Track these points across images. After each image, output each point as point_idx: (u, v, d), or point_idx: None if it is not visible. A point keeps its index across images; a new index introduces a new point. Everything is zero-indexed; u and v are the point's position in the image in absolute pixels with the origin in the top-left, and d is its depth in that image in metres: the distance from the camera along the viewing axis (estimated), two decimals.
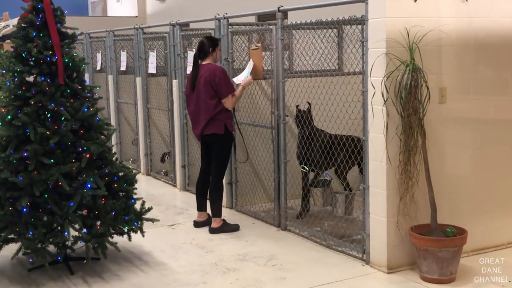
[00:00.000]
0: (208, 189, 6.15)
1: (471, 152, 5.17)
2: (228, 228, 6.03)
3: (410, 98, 4.57)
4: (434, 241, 4.60)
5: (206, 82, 5.79)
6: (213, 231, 5.99)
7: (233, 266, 5.11)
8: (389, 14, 4.63)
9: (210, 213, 6.12)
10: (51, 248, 4.88)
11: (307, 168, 6.02)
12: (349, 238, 5.40)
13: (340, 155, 5.72)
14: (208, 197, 6.15)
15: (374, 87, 4.74)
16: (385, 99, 4.66)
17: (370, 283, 4.77)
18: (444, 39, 4.85)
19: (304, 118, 5.95)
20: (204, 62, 5.93)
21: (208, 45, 5.93)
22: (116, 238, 5.03)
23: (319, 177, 6.12)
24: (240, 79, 6.04)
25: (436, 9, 4.82)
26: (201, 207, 6.24)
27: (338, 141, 5.71)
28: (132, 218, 5.03)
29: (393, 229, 4.80)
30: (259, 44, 6.45)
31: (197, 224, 6.23)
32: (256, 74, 6.30)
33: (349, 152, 5.65)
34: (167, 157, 8.54)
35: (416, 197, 4.78)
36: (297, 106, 6.08)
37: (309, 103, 5.99)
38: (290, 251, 5.47)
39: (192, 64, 6.13)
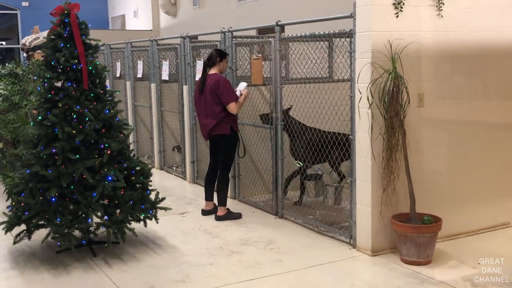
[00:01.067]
0: (215, 182, 6.15)
1: (446, 150, 5.17)
2: (231, 216, 6.03)
3: (392, 102, 4.57)
4: (413, 228, 4.60)
5: (211, 91, 5.79)
6: (218, 218, 6.00)
7: (236, 250, 5.12)
8: (374, 28, 4.63)
9: (216, 203, 6.13)
10: (77, 233, 4.91)
11: (301, 164, 6.02)
12: (338, 225, 5.40)
13: (333, 148, 5.73)
14: (215, 189, 6.16)
15: (360, 93, 4.74)
16: (370, 103, 4.66)
17: (356, 264, 4.77)
18: (423, 51, 4.85)
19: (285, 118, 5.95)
20: (211, 72, 5.90)
21: (216, 55, 5.93)
22: (134, 225, 5.03)
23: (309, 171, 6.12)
24: (240, 89, 6.01)
25: (416, 24, 4.81)
26: (208, 198, 6.24)
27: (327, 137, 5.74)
28: (148, 207, 5.03)
29: (377, 217, 4.80)
30: (260, 55, 6.45)
31: (204, 212, 6.23)
32: (256, 81, 6.29)
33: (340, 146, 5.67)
34: (175, 150, 8.55)
35: (397, 189, 4.79)
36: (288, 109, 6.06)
37: (290, 106, 5.98)
38: (286, 236, 5.47)
39: (200, 71, 6.13)
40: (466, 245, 5.05)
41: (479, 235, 5.31)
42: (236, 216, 6.06)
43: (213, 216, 6.10)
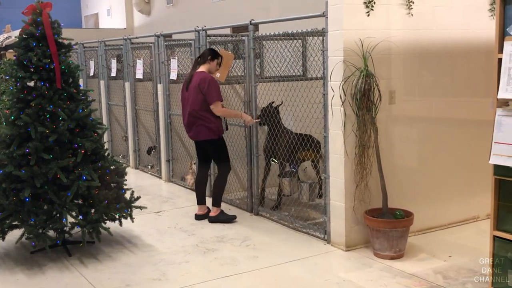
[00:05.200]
0: (206, 185, 6.04)
1: (416, 146, 5.26)
2: (223, 217, 5.84)
3: (364, 100, 4.63)
4: (385, 223, 4.67)
5: (196, 89, 5.60)
6: (211, 219, 5.82)
7: (212, 247, 5.14)
8: (345, 27, 4.68)
9: (209, 207, 5.97)
10: (51, 233, 4.89)
11: (276, 161, 6.06)
12: (312, 221, 5.47)
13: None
14: (212, 188, 5.93)
15: (333, 90, 4.79)
16: (343, 101, 4.72)
17: (331, 259, 4.83)
18: (393, 49, 4.92)
19: (272, 113, 5.97)
20: (200, 69, 5.72)
21: (208, 53, 5.77)
22: (109, 224, 5.02)
23: (286, 169, 6.17)
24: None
25: (386, 23, 4.89)
26: (201, 201, 6.02)
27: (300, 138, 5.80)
28: (123, 206, 5.02)
29: (350, 212, 4.87)
30: (230, 53, 6.46)
31: (198, 217, 5.96)
32: (221, 76, 6.25)
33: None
34: (154, 151, 8.53)
35: (370, 185, 4.85)
36: (271, 103, 6.02)
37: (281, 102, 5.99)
38: (262, 233, 5.51)
39: (175, 70, 6.08)
40: (437, 239, 5.15)
41: (450, 228, 5.42)
42: (229, 218, 5.86)
43: (188, 214, 6.10)
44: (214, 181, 5.99)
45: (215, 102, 5.60)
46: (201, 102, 5.63)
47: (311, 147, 5.78)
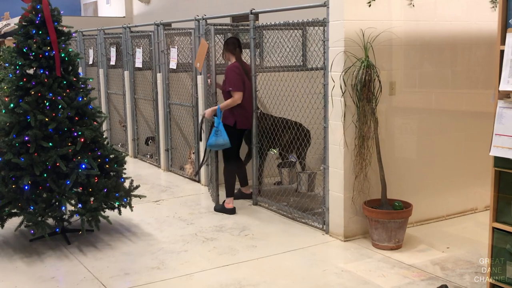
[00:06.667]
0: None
1: (416, 137, 5.25)
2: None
3: (364, 91, 4.62)
4: (384, 214, 4.68)
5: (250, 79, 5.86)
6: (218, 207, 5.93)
7: (211, 236, 5.14)
8: (347, 17, 4.66)
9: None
10: (50, 221, 4.89)
11: (275, 151, 6.06)
12: (311, 212, 5.47)
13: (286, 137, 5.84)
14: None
15: (333, 81, 4.78)
16: (343, 91, 4.71)
17: (329, 249, 4.84)
18: (394, 39, 4.91)
19: None
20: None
21: (240, 43, 5.90)
22: (108, 212, 5.02)
23: (285, 159, 6.16)
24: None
25: (388, 13, 4.86)
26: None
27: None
28: (122, 194, 5.02)
29: (349, 203, 4.87)
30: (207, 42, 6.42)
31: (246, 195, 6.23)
32: (200, 66, 6.24)
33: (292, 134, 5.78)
34: (150, 142, 8.52)
35: (369, 176, 4.85)
36: None
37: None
38: (260, 223, 5.51)
39: (174, 59, 6.05)
40: (435, 230, 5.17)
41: (448, 220, 5.43)
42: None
43: (187, 204, 6.09)
44: (243, 165, 6.09)
45: None
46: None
47: (289, 129, 5.79)
